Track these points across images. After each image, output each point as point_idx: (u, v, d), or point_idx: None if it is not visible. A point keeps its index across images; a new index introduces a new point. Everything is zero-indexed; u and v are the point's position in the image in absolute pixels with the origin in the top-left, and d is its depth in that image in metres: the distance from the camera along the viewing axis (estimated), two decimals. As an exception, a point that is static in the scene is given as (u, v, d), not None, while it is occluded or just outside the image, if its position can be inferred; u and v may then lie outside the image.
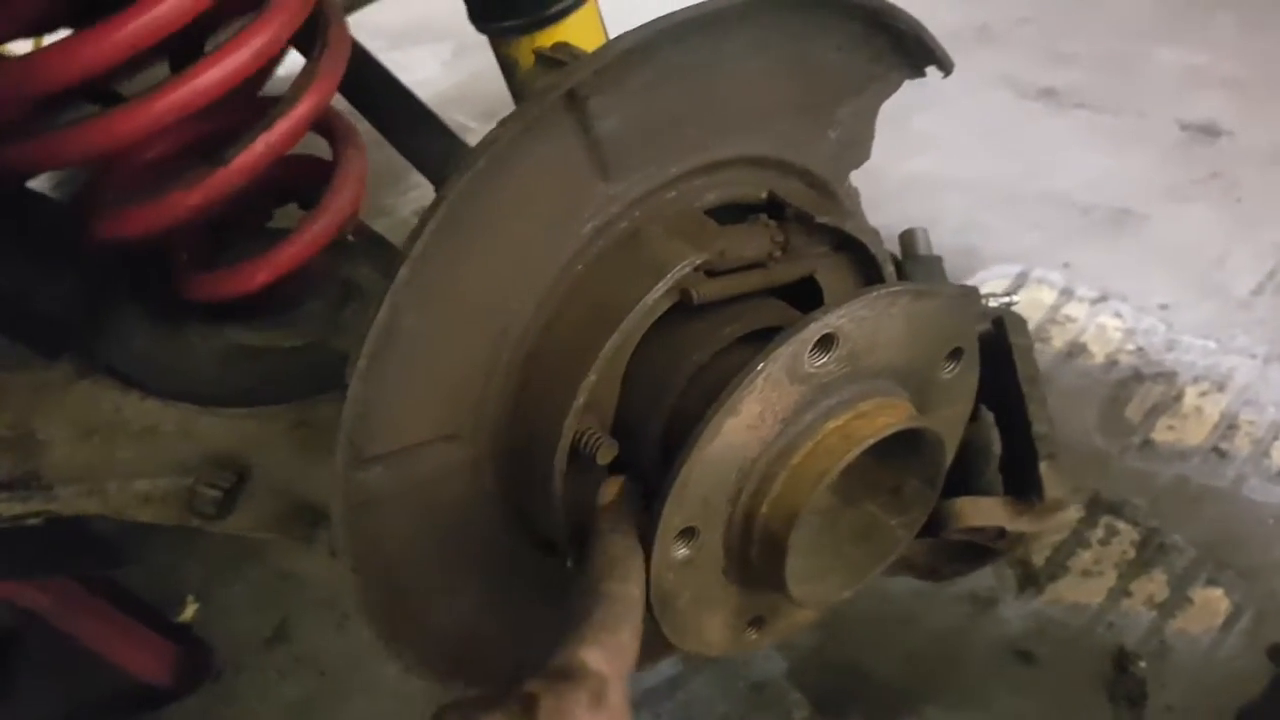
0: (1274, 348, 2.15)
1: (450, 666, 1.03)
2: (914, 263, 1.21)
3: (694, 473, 0.85)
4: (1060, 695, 1.69)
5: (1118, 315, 2.29)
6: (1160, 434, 2.04)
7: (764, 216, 0.99)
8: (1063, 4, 3.40)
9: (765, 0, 0.91)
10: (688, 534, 0.89)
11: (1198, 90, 2.89)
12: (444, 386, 0.91)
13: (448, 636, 1.02)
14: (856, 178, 1.13)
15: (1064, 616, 1.78)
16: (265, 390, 1.16)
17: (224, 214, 1.22)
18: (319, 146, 1.34)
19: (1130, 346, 2.22)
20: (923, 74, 1.07)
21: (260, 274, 1.16)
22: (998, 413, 1.16)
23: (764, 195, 1.00)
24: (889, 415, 0.92)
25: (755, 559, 0.92)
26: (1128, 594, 1.80)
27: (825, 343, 0.87)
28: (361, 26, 3.76)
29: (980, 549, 1.17)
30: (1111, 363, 2.20)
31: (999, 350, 1.14)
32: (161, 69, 1.16)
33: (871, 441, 0.89)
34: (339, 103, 1.42)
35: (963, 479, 1.15)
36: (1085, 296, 2.35)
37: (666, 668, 1.79)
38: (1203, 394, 2.09)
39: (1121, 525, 1.90)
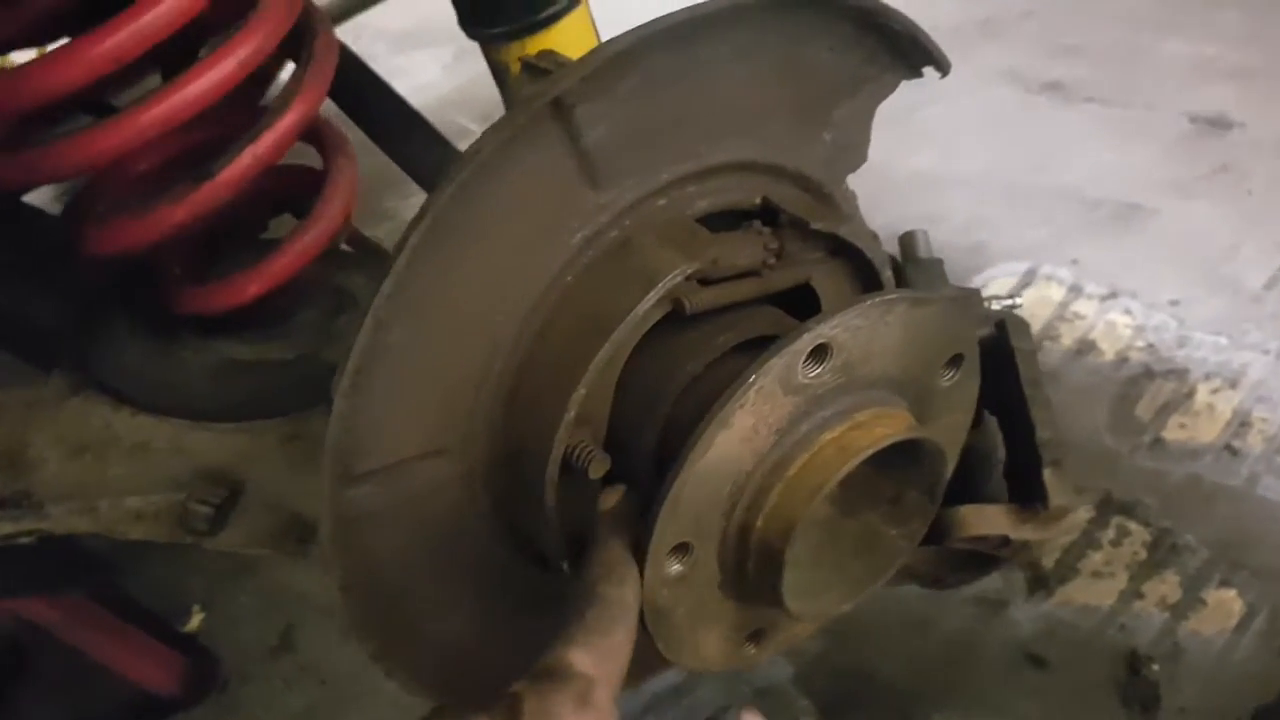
0: (1287, 343, 2.12)
1: (445, 682, 1.02)
2: (914, 266, 1.19)
3: (686, 488, 0.83)
4: (1071, 699, 1.67)
5: (1127, 312, 2.27)
6: (1171, 432, 2.02)
7: (757, 223, 0.97)
8: (1067, -4, 3.38)
9: (754, 3, 0.89)
10: (681, 549, 0.87)
11: (1206, 81, 2.86)
12: (433, 401, 0.89)
13: (442, 652, 1.01)
14: (861, 175, 1.11)
15: (1075, 619, 1.76)
16: (258, 404, 1.15)
17: (217, 226, 1.21)
18: (315, 156, 1.33)
19: (1140, 343, 2.19)
20: (919, 74, 1.05)
21: (251, 286, 1.15)
22: (1001, 418, 1.14)
23: (758, 201, 0.98)
24: (886, 425, 0.90)
25: (751, 573, 0.90)
26: (1139, 595, 1.78)
27: (819, 353, 0.85)
28: (363, 30, 3.77)
29: (985, 557, 1.16)
30: (1121, 360, 2.17)
31: (1001, 355, 1.12)
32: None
33: (869, 453, 0.87)
34: (332, 111, 1.41)
35: (967, 486, 1.13)
36: (1094, 293, 2.33)
37: (672, 674, 1.77)
38: (1215, 391, 2.07)
39: (1133, 526, 1.87)
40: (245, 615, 2.06)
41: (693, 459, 0.83)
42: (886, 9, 0.96)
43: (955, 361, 0.98)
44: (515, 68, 1.15)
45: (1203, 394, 2.07)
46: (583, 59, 0.82)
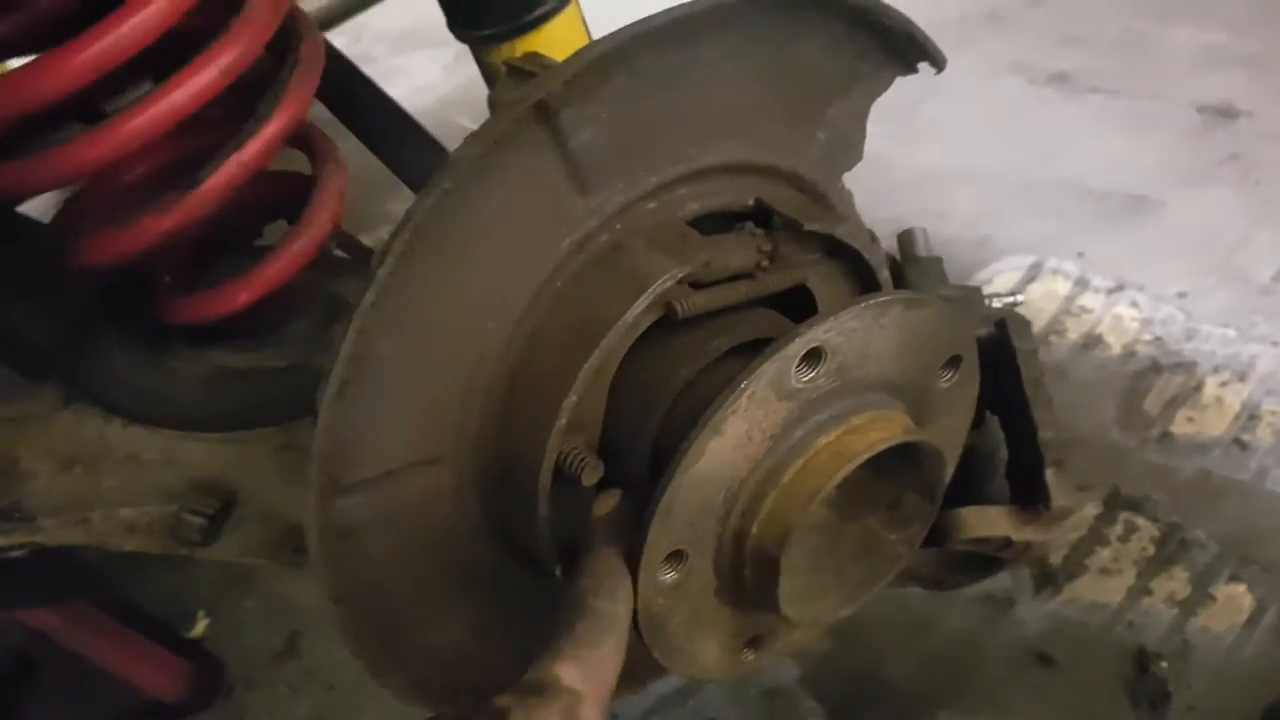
0: (1296, 335, 2.10)
1: (441, 692, 1.01)
2: (912, 264, 1.18)
3: (679, 495, 0.82)
4: (1080, 697, 1.65)
5: (1134, 305, 2.24)
6: (1180, 426, 1.99)
7: (751, 225, 0.96)
8: (1073, -16, 3.34)
9: (743, 1, 0.88)
10: (676, 557, 0.86)
11: (1214, 70, 2.83)
12: (422, 410, 0.88)
13: (437, 662, 1.00)
14: (865, 171, 1.09)
15: (1082, 616, 1.74)
16: (250, 413, 1.15)
17: (208, 234, 1.20)
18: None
19: (1148, 337, 2.17)
20: (914, 70, 1.04)
21: (242, 294, 1.14)
22: (1002, 418, 1.13)
23: (750, 203, 0.97)
24: (883, 429, 0.89)
25: (748, 580, 0.89)
26: (1148, 592, 1.75)
27: (812, 357, 0.84)
28: (363, 31, 3.76)
29: (987, 559, 1.14)
30: (1129, 354, 2.15)
31: (1002, 354, 1.11)
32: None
33: (865, 457, 0.86)
34: (326, 118, 1.40)
35: (968, 487, 1.12)
36: (1101, 286, 2.30)
37: (677, 676, 1.76)
38: (1223, 384, 2.04)
39: (1141, 521, 1.85)
40: (250, 621, 2.06)
41: (685, 466, 0.82)
42: (879, 5, 0.95)
43: (953, 362, 0.97)
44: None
45: (1211, 387, 2.04)
46: (566, 61, 0.81)
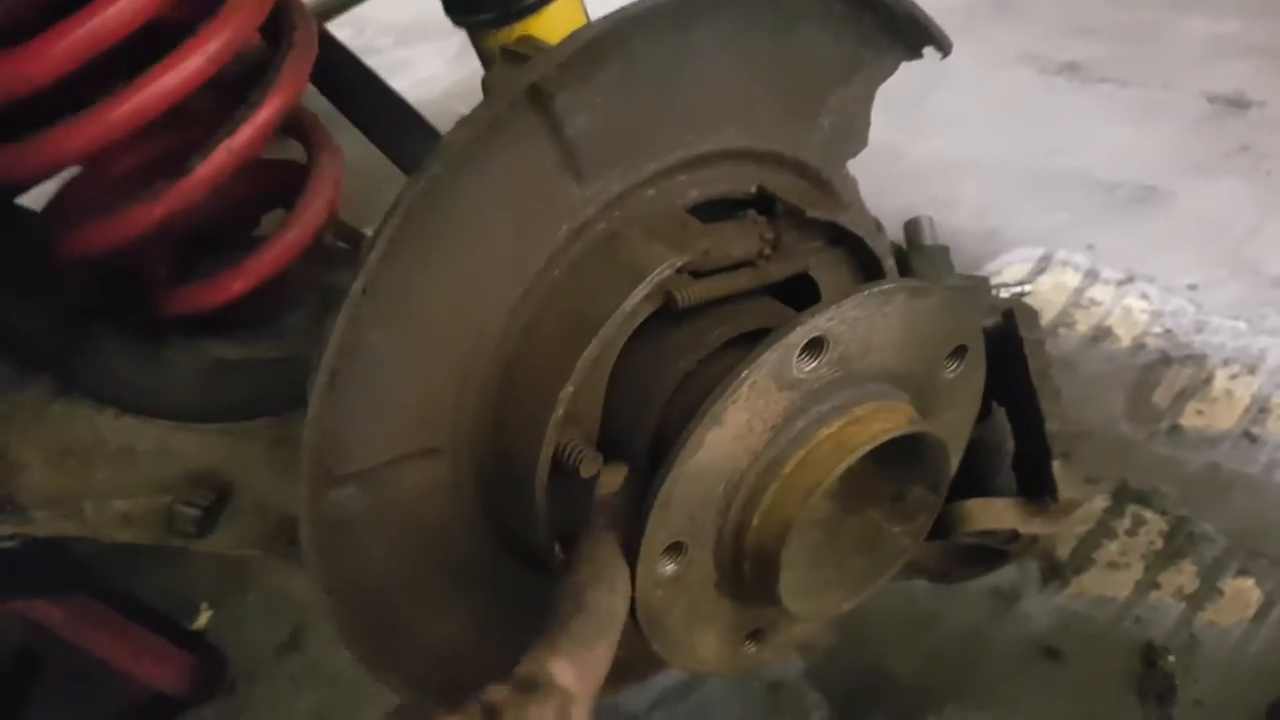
0: (1307, 327, 2.07)
1: (439, 687, 1.00)
2: (918, 253, 1.16)
3: (678, 486, 0.81)
4: (1087, 692, 1.63)
5: (1144, 297, 2.22)
6: (1189, 419, 1.97)
7: (752, 212, 0.94)
8: (1083, -27, 3.31)
9: None
10: (675, 549, 0.85)
11: (1225, 60, 2.80)
12: (417, 400, 0.87)
13: (433, 655, 0.99)
14: (872, 160, 1.07)
15: (1090, 610, 1.72)
16: (246, 405, 1.13)
17: (204, 224, 1.18)
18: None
19: (1157, 329, 2.14)
20: (919, 55, 1.02)
21: (236, 283, 1.13)
22: (1009, 410, 1.11)
23: (752, 190, 0.95)
24: (886, 420, 0.87)
25: (748, 573, 0.88)
26: (1156, 586, 1.73)
27: (814, 346, 0.82)
28: (367, 24, 3.74)
29: (993, 552, 1.13)
30: (1138, 346, 2.13)
31: (1009, 345, 1.09)
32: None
33: (867, 449, 0.85)
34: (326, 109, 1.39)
35: (975, 479, 1.10)
36: (1110, 278, 2.28)
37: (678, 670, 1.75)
38: (1233, 376, 2.02)
39: (1149, 514, 1.83)
40: (253, 615, 2.05)
41: (684, 457, 0.80)
42: (878, -15, 0.93)
43: (959, 353, 0.95)
44: (502, 56, 1.12)
45: (1221, 380, 2.02)
46: (560, 44, 0.80)
